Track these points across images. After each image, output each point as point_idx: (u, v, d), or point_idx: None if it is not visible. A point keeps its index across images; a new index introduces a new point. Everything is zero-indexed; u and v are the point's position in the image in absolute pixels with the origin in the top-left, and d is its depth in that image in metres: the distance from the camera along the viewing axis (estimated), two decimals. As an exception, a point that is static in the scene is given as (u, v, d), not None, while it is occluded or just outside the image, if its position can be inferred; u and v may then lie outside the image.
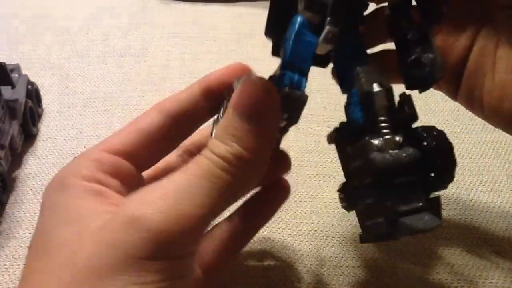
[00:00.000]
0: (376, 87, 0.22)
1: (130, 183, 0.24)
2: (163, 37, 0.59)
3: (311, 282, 0.33)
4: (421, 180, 0.21)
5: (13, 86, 0.42)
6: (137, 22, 0.62)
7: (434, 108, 0.47)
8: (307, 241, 0.35)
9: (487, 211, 0.37)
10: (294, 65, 0.22)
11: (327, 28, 0.21)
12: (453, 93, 0.28)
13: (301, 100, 0.22)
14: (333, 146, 0.26)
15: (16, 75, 0.44)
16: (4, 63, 0.41)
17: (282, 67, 0.22)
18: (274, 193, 0.30)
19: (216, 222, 0.27)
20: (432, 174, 0.22)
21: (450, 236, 0.36)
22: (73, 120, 0.46)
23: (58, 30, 0.60)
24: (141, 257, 0.19)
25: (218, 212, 0.21)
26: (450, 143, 0.23)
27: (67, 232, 0.20)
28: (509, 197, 0.39)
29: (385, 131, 0.21)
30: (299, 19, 0.22)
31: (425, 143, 0.22)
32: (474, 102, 0.27)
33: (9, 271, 0.33)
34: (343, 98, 0.25)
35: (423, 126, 0.23)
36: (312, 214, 0.37)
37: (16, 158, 0.41)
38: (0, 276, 0.33)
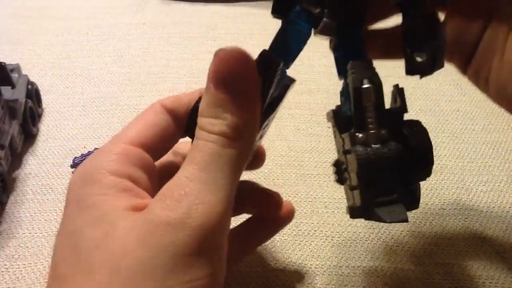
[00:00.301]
0: (365, 83, 0.22)
1: (154, 176, 0.24)
2: (163, 37, 0.59)
3: (311, 282, 0.33)
4: (400, 172, 0.22)
5: (13, 86, 0.42)
6: (137, 22, 0.62)
7: (434, 108, 0.47)
8: (307, 241, 0.35)
9: (487, 211, 0.38)
10: (281, 51, 0.23)
11: (324, 20, 0.22)
12: (463, 69, 0.29)
13: (276, 63, 0.23)
14: (332, 145, 0.26)
15: (16, 75, 0.44)
16: (4, 63, 0.41)
17: (270, 48, 0.23)
18: (272, 221, 0.31)
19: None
20: (411, 169, 0.23)
21: (450, 236, 0.36)
22: (73, 120, 0.46)
23: (58, 30, 0.60)
24: (189, 253, 0.19)
25: (235, 187, 0.21)
26: (429, 142, 0.24)
27: (95, 232, 0.20)
28: (509, 197, 0.39)
29: (371, 126, 0.22)
30: (296, 8, 0.23)
31: (406, 140, 0.23)
32: (481, 80, 0.28)
33: (9, 271, 0.33)
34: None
35: (407, 121, 0.24)
36: (312, 214, 0.37)
37: (16, 158, 0.41)
38: (0, 276, 0.33)
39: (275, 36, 0.24)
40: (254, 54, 0.23)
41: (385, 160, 0.22)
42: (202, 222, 0.20)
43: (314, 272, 0.33)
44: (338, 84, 0.27)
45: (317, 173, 0.41)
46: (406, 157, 0.22)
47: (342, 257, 0.34)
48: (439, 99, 0.48)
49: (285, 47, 0.23)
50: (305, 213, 0.37)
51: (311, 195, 0.39)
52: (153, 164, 0.24)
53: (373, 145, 0.22)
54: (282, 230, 0.36)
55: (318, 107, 0.48)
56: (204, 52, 0.56)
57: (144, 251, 0.19)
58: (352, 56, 0.23)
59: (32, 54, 0.56)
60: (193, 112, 0.24)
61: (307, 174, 0.41)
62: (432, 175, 0.41)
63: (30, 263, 0.34)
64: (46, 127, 0.46)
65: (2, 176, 0.37)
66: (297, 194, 0.39)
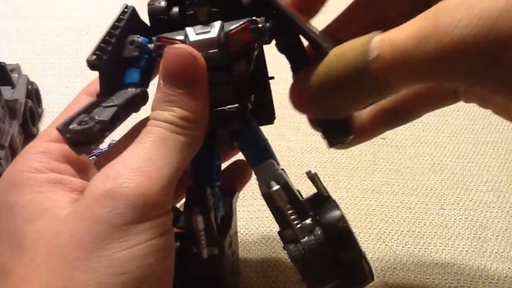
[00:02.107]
0: (273, 186, 0.23)
1: (81, 167, 0.25)
2: (163, 37, 0.59)
3: (311, 282, 0.33)
4: (335, 256, 0.23)
5: (13, 86, 0.42)
6: (137, 22, 0.62)
7: (434, 108, 0.47)
8: (307, 241, 0.35)
9: (487, 211, 0.38)
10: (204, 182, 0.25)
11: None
12: (483, 104, 0.28)
13: (202, 193, 0.25)
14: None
15: (16, 75, 0.44)
16: (4, 63, 0.41)
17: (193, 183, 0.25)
18: None
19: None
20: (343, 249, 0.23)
21: (450, 236, 0.36)
22: (73, 120, 0.46)
23: (58, 30, 0.60)
24: (124, 223, 0.19)
25: (181, 170, 0.22)
26: (342, 224, 0.23)
27: (38, 226, 0.20)
28: (509, 197, 0.39)
29: (295, 222, 0.23)
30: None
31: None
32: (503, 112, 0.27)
33: (9, 271, 0.33)
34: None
35: (325, 205, 0.24)
36: (312, 214, 0.37)
37: (16, 158, 0.41)
38: (0, 276, 0.33)
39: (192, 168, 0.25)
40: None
41: (315, 251, 0.23)
42: (138, 193, 0.20)
43: (314, 272, 0.33)
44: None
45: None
46: (332, 240, 0.23)
47: (342, 257, 0.34)
48: (439, 99, 0.48)
49: (205, 177, 0.25)
50: (305, 213, 0.37)
51: (311, 195, 0.39)
52: (78, 157, 0.24)
53: (302, 240, 0.23)
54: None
55: (318, 107, 0.48)
56: (204, 52, 0.56)
57: (79, 225, 0.19)
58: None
59: (32, 54, 0.56)
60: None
61: (307, 174, 0.41)
62: (432, 175, 0.42)
63: (30, 263, 0.34)
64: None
65: (2, 176, 0.37)
66: (297, 194, 0.39)
